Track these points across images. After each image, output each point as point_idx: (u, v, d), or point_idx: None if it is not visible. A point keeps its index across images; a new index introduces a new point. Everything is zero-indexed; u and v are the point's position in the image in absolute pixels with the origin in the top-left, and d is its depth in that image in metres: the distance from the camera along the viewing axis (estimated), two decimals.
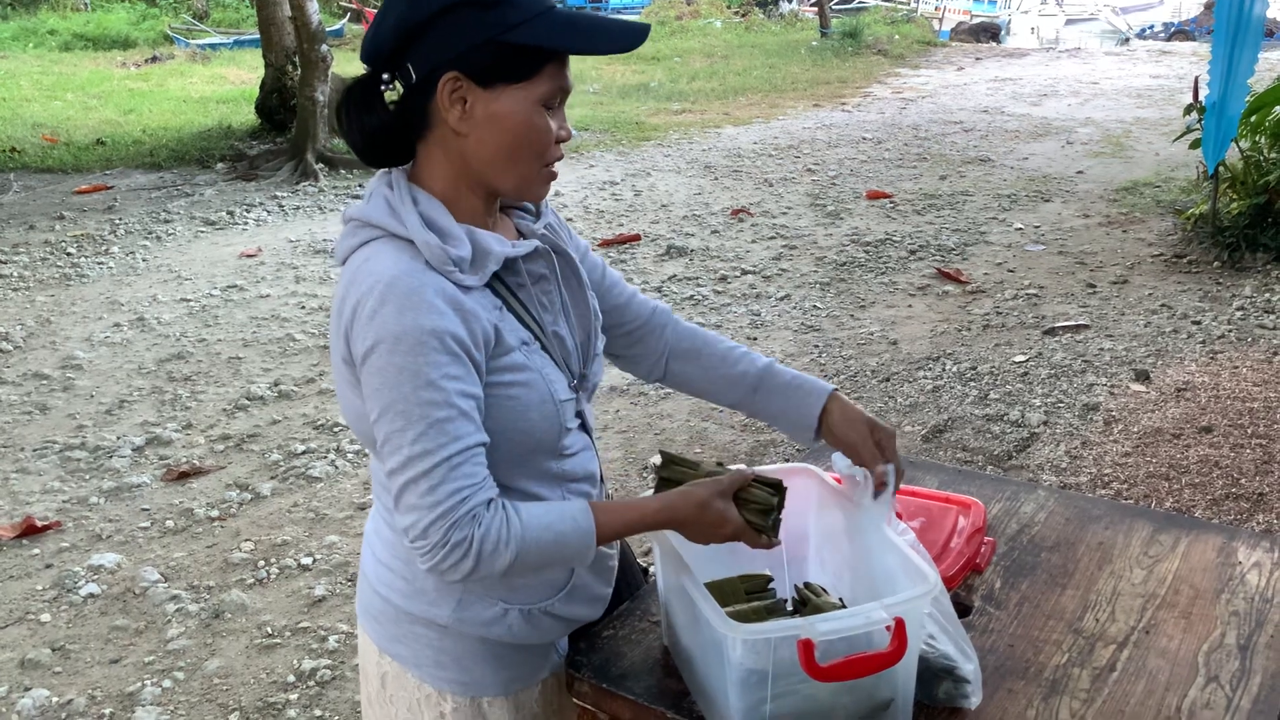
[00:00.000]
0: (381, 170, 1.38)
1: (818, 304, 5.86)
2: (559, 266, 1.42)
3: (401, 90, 1.31)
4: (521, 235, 1.43)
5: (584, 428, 1.48)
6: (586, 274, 1.50)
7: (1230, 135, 5.87)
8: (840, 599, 1.49)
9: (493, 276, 1.33)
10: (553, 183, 1.38)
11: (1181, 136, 6.75)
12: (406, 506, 1.24)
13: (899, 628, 1.22)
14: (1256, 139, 6.37)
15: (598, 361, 1.49)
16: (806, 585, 1.52)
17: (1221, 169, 6.18)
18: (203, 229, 7.93)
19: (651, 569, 1.73)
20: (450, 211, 1.32)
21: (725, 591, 1.48)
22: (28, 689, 2.88)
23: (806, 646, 1.20)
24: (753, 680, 1.24)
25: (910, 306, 5.78)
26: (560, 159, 1.35)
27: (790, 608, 1.52)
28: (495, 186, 1.34)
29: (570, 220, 7.72)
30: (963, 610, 1.55)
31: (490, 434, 1.29)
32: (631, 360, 1.65)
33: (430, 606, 1.40)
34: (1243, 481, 3.68)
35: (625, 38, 1.30)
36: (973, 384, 4.68)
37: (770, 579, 1.55)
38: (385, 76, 1.32)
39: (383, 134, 1.33)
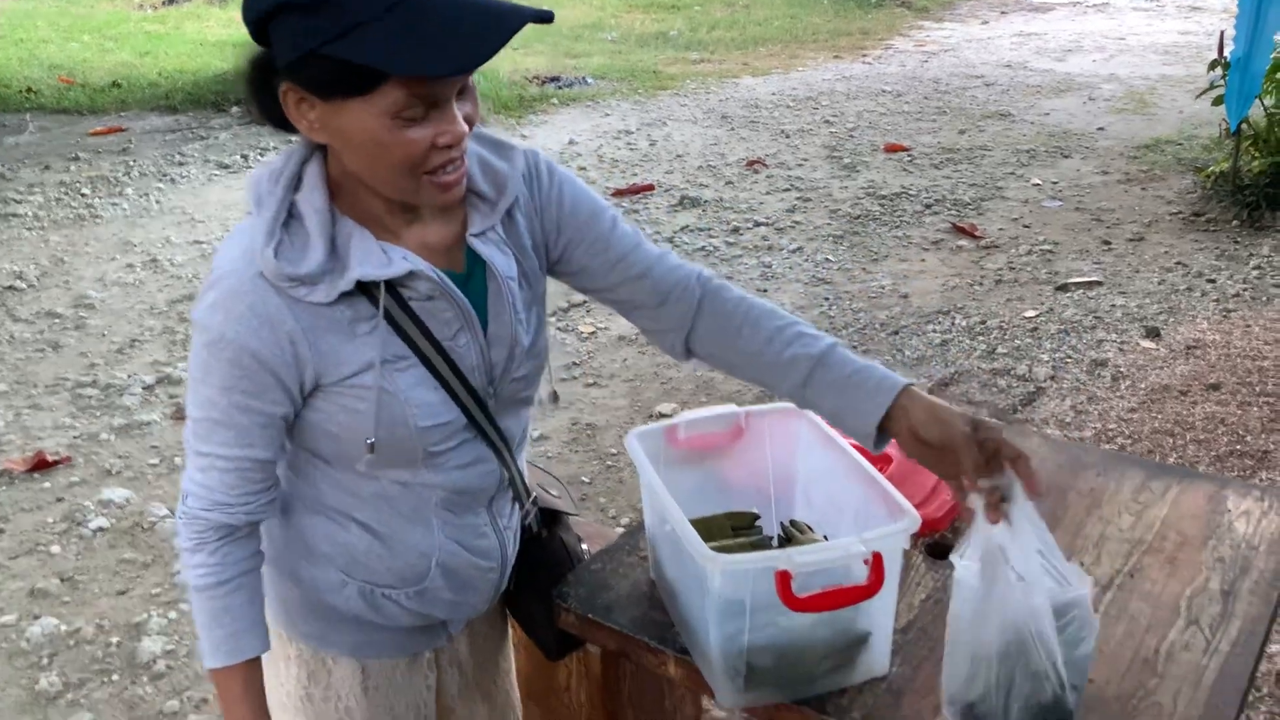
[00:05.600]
0: None
1: (830, 257, 5.82)
2: (464, 286, 1.26)
3: None
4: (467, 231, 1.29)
5: (489, 442, 1.34)
6: (588, 244, 1.37)
7: (1254, 92, 5.75)
8: (825, 536, 1.50)
9: (385, 283, 1.20)
10: (459, 184, 1.19)
11: (1205, 93, 6.63)
12: (185, 468, 1.28)
13: (877, 562, 1.23)
14: None
15: (523, 377, 1.36)
16: (792, 523, 1.54)
17: (1244, 126, 6.07)
18: (216, 172, 7.93)
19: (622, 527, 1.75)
20: (338, 202, 1.22)
21: (711, 528, 1.49)
22: (37, 617, 2.94)
23: (784, 577, 1.21)
24: (732, 611, 1.26)
25: (923, 261, 5.74)
26: (453, 160, 1.16)
27: (775, 545, 1.54)
28: (380, 194, 1.21)
29: (583, 170, 7.66)
30: (945, 552, 1.56)
31: (328, 435, 1.27)
32: (655, 335, 1.43)
33: (277, 558, 1.39)
34: (1248, 439, 3.67)
35: (473, 49, 1.06)
36: (981, 338, 4.66)
37: (757, 516, 1.56)
38: None
39: (275, 119, 1.21)
